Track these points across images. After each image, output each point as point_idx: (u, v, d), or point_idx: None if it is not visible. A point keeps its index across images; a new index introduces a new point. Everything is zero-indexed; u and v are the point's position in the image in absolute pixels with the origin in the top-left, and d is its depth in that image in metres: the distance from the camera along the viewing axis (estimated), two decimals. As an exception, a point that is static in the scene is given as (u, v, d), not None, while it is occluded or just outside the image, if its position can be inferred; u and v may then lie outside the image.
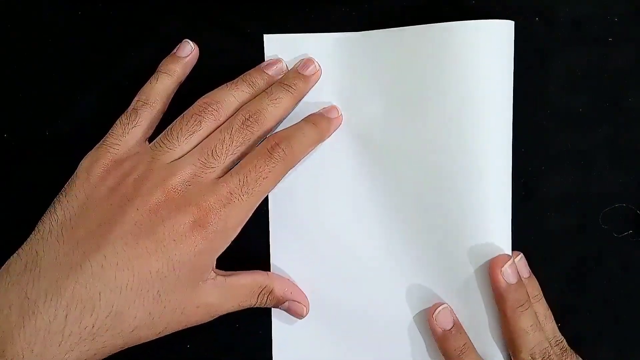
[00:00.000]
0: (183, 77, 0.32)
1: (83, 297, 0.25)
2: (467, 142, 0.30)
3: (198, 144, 0.29)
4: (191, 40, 0.32)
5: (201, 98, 0.30)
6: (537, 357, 0.29)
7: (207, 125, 0.29)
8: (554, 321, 0.32)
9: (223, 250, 0.29)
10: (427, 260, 0.32)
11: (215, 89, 0.31)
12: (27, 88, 0.33)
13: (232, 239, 0.29)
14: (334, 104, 0.33)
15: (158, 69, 0.31)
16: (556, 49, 0.33)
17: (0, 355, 0.24)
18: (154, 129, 0.31)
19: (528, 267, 0.32)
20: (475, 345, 0.31)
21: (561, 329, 0.32)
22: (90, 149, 0.30)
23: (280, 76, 0.32)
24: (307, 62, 0.32)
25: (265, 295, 0.31)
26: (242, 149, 0.29)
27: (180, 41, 0.32)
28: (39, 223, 0.28)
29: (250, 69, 0.32)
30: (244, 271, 0.31)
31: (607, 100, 0.33)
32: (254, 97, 0.31)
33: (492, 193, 0.31)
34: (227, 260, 0.30)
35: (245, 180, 0.28)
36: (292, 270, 0.33)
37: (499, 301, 0.30)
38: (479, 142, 0.30)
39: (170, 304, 0.27)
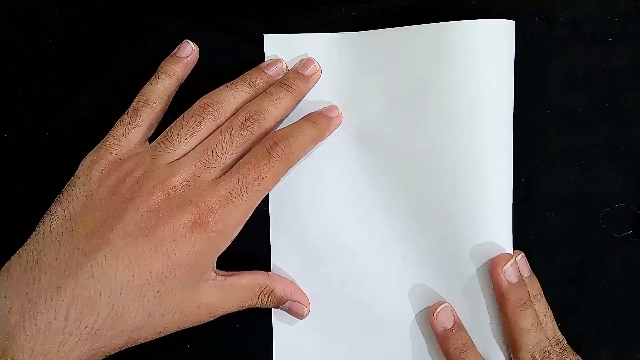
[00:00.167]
0: (183, 78, 0.32)
1: (83, 297, 0.25)
2: (468, 142, 0.30)
3: (198, 144, 0.29)
4: (191, 40, 0.32)
5: (201, 98, 0.30)
6: (537, 356, 0.29)
7: (207, 125, 0.29)
8: (554, 320, 0.32)
9: (223, 250, 0.29)
10: (428, 260, 0.32)
11: (216, 89, 0.31)
12: (27, 88, 0.33)
13: (232, 238, 0.29)
14: (334, 103, 0.33)
15: (158, 69, 0.31)
16: (556, 49, 0.33)
17: (1, 355, 0.24)
18: (154, 129, 0.31)
19: (529, 266, 0.32)
20: (476, 344, 0.31)
21: (561, 329, 0.32)
22: (90, 148, 0.30)
23: (280, 76, 0.32)
24: (307, 62, 0.32)
25: (266, 296, 0.31)
26: (241, 149, 0.29)
27: (180, 41, 0.32)
28: (40, 223, 0.28)
29: (250, 69, 0.32)
30: (245, 271, 0.31)
31: (607, 100, 0.33)
32: (254, 97, 0.31)
33: (493, 192, 0.31)
34: (227, 260, 0.30)
35: (244, 180, 0.28)
36: (293, 270, 0.33)
37: (500, 300, 0.30)
38: (479, 142, 0.30)
39: (171, 304, 0.27)
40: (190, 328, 0.29)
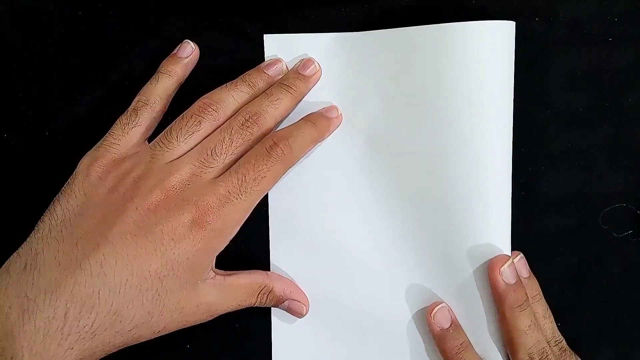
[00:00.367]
0: (183, 78, 0.32)
1: (82, 296, 0.25)
2: (467, 143, 0.30)
3: (197, 144, 0.29)
4: (191, 40, 0.32)
5: (201, 98, 0.30)
6: (534, 356, 0.29)
7: (207, 125, 0.29)
8: (553, 321, 0.32)
9: (222, 249, 0.29)
10: (427, 260, 0.32)
11: (215, 89, 0.31)
12: (27, 88, 0.33)
13: (231, 238, 0.29)
14: (334, 103, 0.33)
15: (159, 69, 0.31)
16: (556, 49, 0.33)
17: (0, 353, 0.24)
18: (153, 129, 0.31)
19: (528, 267, 0.32)
20: (474, 345, 0.31)
21: (561, 329, 0.32)
22: (90, 148, 0.30)
23: (280, 76, 0.32)
24: (307, 62, 0.32)
25: (265, 295, 0.31)
26: (241, 149, 0.29)
27: (180, 41, 0.32)
28: (39, 222, 0.28)
29: (250, 69, 0.32)
30: (244, 271, 0.31)
31: (607, 100, 0.33)
32: (253, 97, 0.31)
33: (492, 193, 0.31)
34: (227, 260, 0.30)
35: (243, 180, 0.28)
36: (292, 270, 0.33)
37: (498, 301, 0.30)
38: (478, 142, 0.30)
39: (169, 303, 0.27)
40: (190, 328, 0.29)
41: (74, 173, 0.29)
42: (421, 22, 0.31)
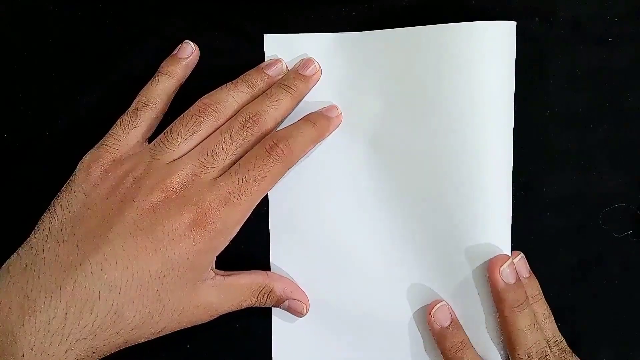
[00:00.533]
0: (184, 79, 0.32)
1: (82, 296, 0.25)
2: (467, 143, 0.30)
3: (197, 145, 0.29)
4: (191, 40, 0.32)
5: (201, 99, 0.30)
6: (533, 356, 0.30)
7: (207, 126, 0.29)
8: (553, 321, 0.32)
9: (222, 249, 0.29)
10: (427, 259, 0.32)
11: (215, 90, 0.31)
12: (27, 88, 0.33)
13: (231, 238, 0.29)
14: (334, 103, 0.33)
15: (159, 70, 0.31)
16: (556, 49, 0.33)
17: (1, 353, 0.24)
18: (154, 129, 0.31)
19: (528, 267, 0.32)
20: (474, 344, 0.31)
21: (561, 329, 0.32)
22: (90, 148, 0.30)
23: (280, 76, 0.32)
24: (307, 62, 0.32)
25: (265, 295, 0.31)
26: (241, 150, 0.29)
27: (180, 41, 0.32)
28: (39, 222, 0.28)
29: (250, 68, 0.32)
30: (244, 271, 0.31)
31: (607, 100, 0.33)
32: (253, 98, 0.31)
33: (493, 193, 0.31)
34: (227, 260, 0.30)
35: (244, 180, 0.28)
36: (292, 270, 0.33)
37: (497, 301, 0.30)
38: (479, 143, 0.30)
39: (170, 303, 0.27)
40: (190, 328, 0.29)
41: (74, 173, 0.29)
42: (421, 22, 0.31)
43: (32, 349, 0.24)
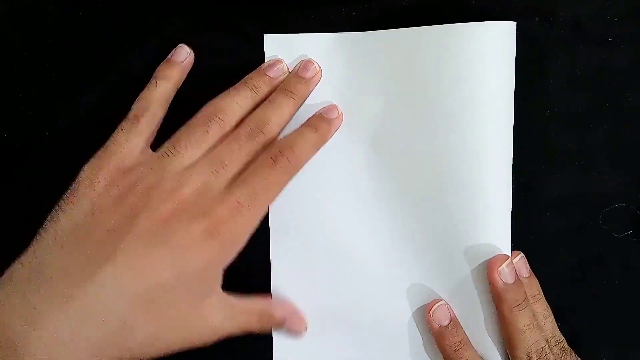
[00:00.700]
0: (180, 82, 0.32)
1: (93, 307, 0.24)
2: (467, 143, 0.30)
3: (205, 153, 0.29)
4: (192, 40, 0.32)
5: (206, 106, 0.30)
6: (533, 356, 0.29)
7: (214, 134, 0.29)
8: (554, 321, 0.32)
9: (230, 260, 0.29)
10: (427, 260, 0.32)
11: (219, 96, 0.31)
12: (27, 88, 0.33)
13: (241, 248, 0.29)
14: (334, 103, 0.33)
15: (155, 74, 0.31)
16: (556, 49, 0.33)
17: None
18: (155, 134, 0.31)
19: (528, 267, 0.32)
20: (473, 343, 0.31)
21: (561, 329, 0.32)
22: (91, 149, 0.30)
23: (282, 77, 0.32)
24: (306, 64, 0.32)
25: (266, 320, 0.31)
26: (249, 158, 0.29)
27: (180, 41, 0.32)
28: (42, 231, 0.27)
29: (250, 69, 0.32)
30: (245, 296, 0.30)
31: (607, 100, 0.33)
32: (257, 101, 0.31)
33: (493, 193, 0.31)
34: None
35: (252, 191, 0.28)
36: (292, 270, 0.33)
37: (496, 300, 0.30)
38: (479, 143, 0.30)
39: (177, 318, 0.27)
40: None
41: (76, 180, 0.28)
42: (421, 22, 0.31)
43: None
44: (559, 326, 0.32)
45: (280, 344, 0.34)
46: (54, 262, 0.25)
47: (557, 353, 0.31)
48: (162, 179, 0.28)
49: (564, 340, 0.32)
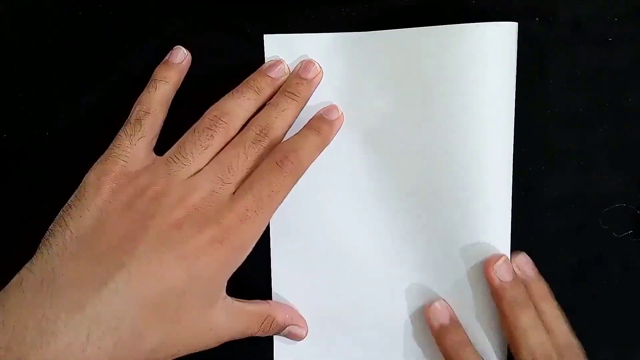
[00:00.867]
0: (179, 83, 0.32)
1: (107, 315, 0.24)
2: (468, 144, 0.30)
3: (212, 158, 0.29)
4: (192, 40, 0.32)
5: (210, 110, 0.30)
6: (537, 357, 0.29)
7: (219, 138, 0.29)
8: (565, 323, 0.31)
9: (239, 266, 0.29)
10: (427, 260, 0.32)
11: (222, 99, 0.31)
12: (27, 88, 0.33)
13: (248, 253, 0.29)
14: (334, 104, 0.33)
15: (153, 77, 0.31)
16: (556, 49, 0.33)
17: None
18: (157, 137, 0.31)
19: (532, 266, 0.32)
20: (475, 344, 0.31)
21: (561, 329, 0.32)
22: (91, 149, 0.30)
23: (283, 77, 0.32)
24: (307, 64, 0.32)
25: (268, 325, 0.31)
26: (254, 162, 0.29)
27: (180, 41, 0.32)
28: (49, 237, 0.27)
29: (250, 69, 0.32)
30: (247, 300, 0.31)
31: (607, 100, 0.33)
32: (260, 103, 0.31)
33: (493, 193, 0.31)
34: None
35: (259, 196, 0.28)
36: (292, 270, 0.33)
37: (496, 299, 0.30)
38: (479, 143, 0.30)
39: (186, 324, 0.27)
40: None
41: (81, 186, 0.28)
42: (421, 22, 0.31)
43: None
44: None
45: (280, 344, 0.34)
46: (65, 269, 0.25)
47: (568, 358, 0.29)
48: (170, 185, 0.28)
49: (577, 345, 0.30)
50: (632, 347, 0.34)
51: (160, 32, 0.33)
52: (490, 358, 0.32)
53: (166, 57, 0.32)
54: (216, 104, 0.30)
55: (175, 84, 0.32)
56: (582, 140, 0.33)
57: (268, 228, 0.33)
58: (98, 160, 0.29)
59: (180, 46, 0.32)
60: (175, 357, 0.27)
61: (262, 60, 0.33)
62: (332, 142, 0.32)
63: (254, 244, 0.29)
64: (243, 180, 0.29)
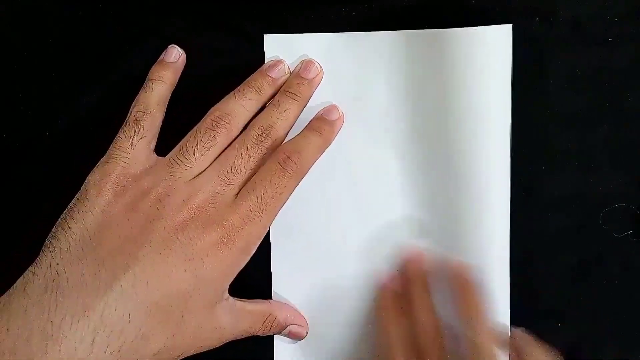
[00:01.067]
0: (175, 83, 0.32)
1: (112, 319, 0.24)
2: (466, 146, 0.30)
3: (214, 160, 0.29)
4: (192, 40, 0.32)
5: (211, 111, 0.30)
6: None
7: (221, 139, 0.29)
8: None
9: (242, 268, 0.29)
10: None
11: (223, 100, 0.31)
12: (27, 88, 0.33)
13: (252, 254, 0.29)
14: (334, 104, 0.33)
15: (149, 77, 0.31)
16: (556, 49, 0.33)
17: None
18: (157, 137, 0.31)
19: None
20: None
21: (561, 329, 0.32)
22: (91, 149, 0.30)
23: (284, 77, 0.32)
24: (308, 64, 0.32)
25: (270, 324, 0.31)
26: (257, 163, 0.29)
27: (180, 41, 0.32)
28: (52, 240, 0.26)
29: (250, 69, 0.32)
30: (247, 299, 0.31)
31: (607, 100, 0.33)
32: (261, 103, 0.31)
33: (490, 195, 0.31)
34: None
35: (262, 197, 0.28)
36: (292, 270, 0.33)
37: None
38: (477, 145, 0.30)
39: (191, 326, 0.27)
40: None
41: (83, 189, 0.28)
42: (421, 22, 0.31)
43: None
44: (559, 326, 0.32)
45: (281, 344, 0.34)
46: (70, 272, 0.25)
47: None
48: (173, 187, 0.28)
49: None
50: (632, 347, 0.34)
51: (160, 32, 0.33)
52: None
53: (161, 57, 0.32)
54: (217, 104, 0.30)
55: (172, 83, 0.32)
56: (582, 140, 0.33)
57: (268, 232, 0.33)
58: (99, 162, 0.29)
59: (174, 45, 0.32)
60: (180, 358, 0.27)
61: (262, 60, 0.33)
62: (332, 143, 0.33)
63: (257, 245, 0.29)
64: (246, 181, 0.29)
